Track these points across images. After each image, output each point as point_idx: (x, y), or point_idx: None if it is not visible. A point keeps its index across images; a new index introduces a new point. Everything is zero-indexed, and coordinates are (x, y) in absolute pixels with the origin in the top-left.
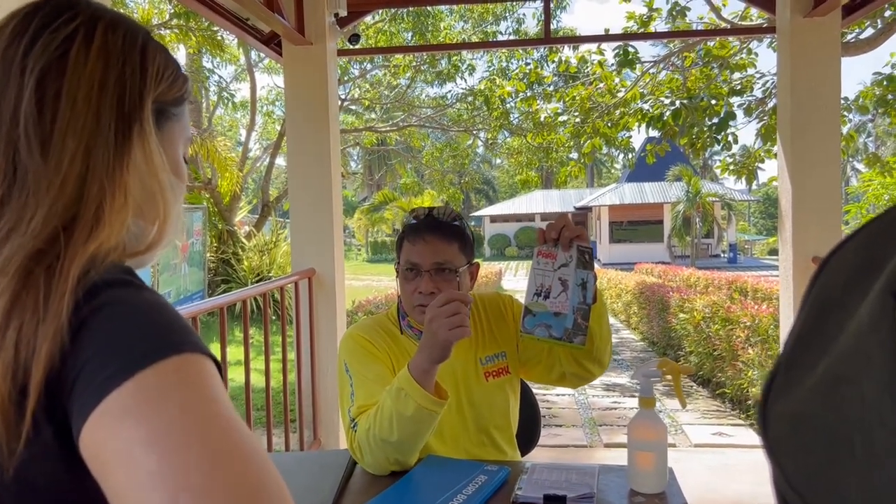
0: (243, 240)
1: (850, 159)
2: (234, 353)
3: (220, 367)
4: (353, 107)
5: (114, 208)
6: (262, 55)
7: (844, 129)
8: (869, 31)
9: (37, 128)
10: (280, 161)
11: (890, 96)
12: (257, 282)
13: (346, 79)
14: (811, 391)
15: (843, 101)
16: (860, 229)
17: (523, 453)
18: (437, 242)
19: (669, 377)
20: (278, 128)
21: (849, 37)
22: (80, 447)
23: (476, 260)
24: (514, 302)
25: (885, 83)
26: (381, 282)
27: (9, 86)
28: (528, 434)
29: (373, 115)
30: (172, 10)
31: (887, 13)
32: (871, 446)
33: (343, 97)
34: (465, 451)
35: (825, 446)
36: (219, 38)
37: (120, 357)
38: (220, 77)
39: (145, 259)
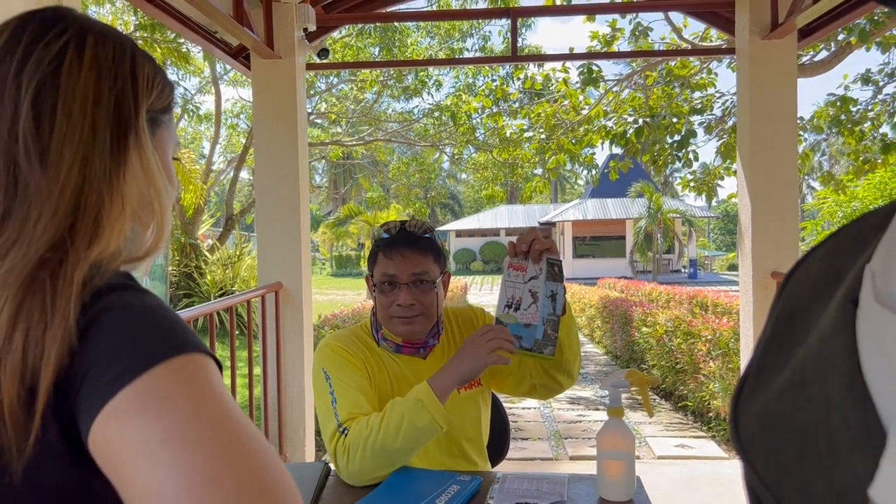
0: (206, 253)
1: (806, 177)
2: None
3: (221, 365)
4: (319, 120)
5: (112, 216)
6: (228, 67)
7: (800, 148)
8: (823, 54)
9: (35, 141)
10: (244, 174)
11: (843, 116)
12: (220, 296)
13: (312, 93)
14: (780, 392)
15: (798, 121)
16: (824, 242)
17: (493, 465)
18: (414, 256)
19: (635, 389)
20: (243, 140)
21: (804, 59)
22: (88, 445)
23: (446, 270)
24: (486, 314)
25: (838, 104)
26: (346, 296)
27: (4, 102)
28: (497, 446)
29: (339, 129)
30: (137, 22)
31: (840, 37)
32: (835, 444)
33: (309, 111)
34: (437, 463)
35: (794, 444)
36: (184, 50)
37: (127, 357)
38: (185, 89)
39: (141, 265)
